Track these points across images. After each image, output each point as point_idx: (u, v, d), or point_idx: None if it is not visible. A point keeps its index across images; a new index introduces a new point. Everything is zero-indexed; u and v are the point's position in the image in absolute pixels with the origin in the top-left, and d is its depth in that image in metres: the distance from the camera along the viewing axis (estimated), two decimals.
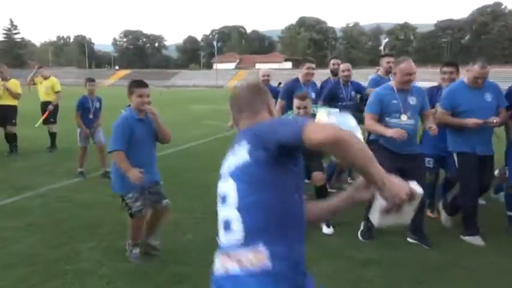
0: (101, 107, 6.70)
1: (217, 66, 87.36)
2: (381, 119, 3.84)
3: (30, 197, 5.41)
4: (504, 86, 4.61)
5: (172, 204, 3.74)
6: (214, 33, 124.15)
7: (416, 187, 1.31)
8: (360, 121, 5.34)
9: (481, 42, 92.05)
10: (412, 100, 3.81)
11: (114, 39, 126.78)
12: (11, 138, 8.30)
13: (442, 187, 4.79)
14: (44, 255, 3.67)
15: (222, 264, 1.41)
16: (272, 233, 1.37)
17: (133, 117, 3.45)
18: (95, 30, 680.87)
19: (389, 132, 3.61)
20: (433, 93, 4.63)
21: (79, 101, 6.47)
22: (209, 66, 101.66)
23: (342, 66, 5.81)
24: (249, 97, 1.68)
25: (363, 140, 1.30)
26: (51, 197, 5.41)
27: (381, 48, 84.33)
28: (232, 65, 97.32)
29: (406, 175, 3.65)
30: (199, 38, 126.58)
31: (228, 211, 1.43)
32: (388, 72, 5.40)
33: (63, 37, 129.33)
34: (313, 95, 5.32)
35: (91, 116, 6.51)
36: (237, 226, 1.39)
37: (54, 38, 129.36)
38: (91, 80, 6.63)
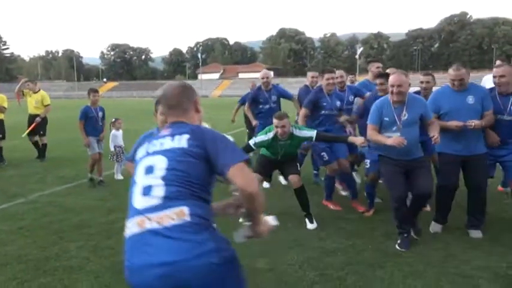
0: (104, 116, 6.80)
1: (202, 76, 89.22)
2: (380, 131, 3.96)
3: (21, 204, 5.59)
4: None
5: None
6: (198, 45, 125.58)
7: (272, 221, 1.91)
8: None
9: (449, 49, 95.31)
10: (409, 112, 3.85)
11: (102, 52, 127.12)
12: None
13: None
14: (34, 254, 3.86)
15: (138, 225, 1.64)
16: (190, 199, 1.67)
17: None
18: (83, 44, 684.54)
19: (389, 141, 3.75)
20: None
21: (82, 111, 6.52)
22: (194, 76, 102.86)
23: (337, 73, 5.48)
24: (178, 96, 1.94)
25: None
26: (41, 203, 5.59)
27: (357, 56, 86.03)
28: (216, 75, 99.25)
29: (411, 176, 3.96)
30: (184, 50, 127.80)
31: (151, 180, 1.71)
32: (376, 76, 5.23)
33: (51, 51, 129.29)
34: (338, 104, 5.25)
35: (100, 123, 6.65)
36: (159, 191, 1.67)
37: (43, 53, 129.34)
38: (94, 91, 6.70)
